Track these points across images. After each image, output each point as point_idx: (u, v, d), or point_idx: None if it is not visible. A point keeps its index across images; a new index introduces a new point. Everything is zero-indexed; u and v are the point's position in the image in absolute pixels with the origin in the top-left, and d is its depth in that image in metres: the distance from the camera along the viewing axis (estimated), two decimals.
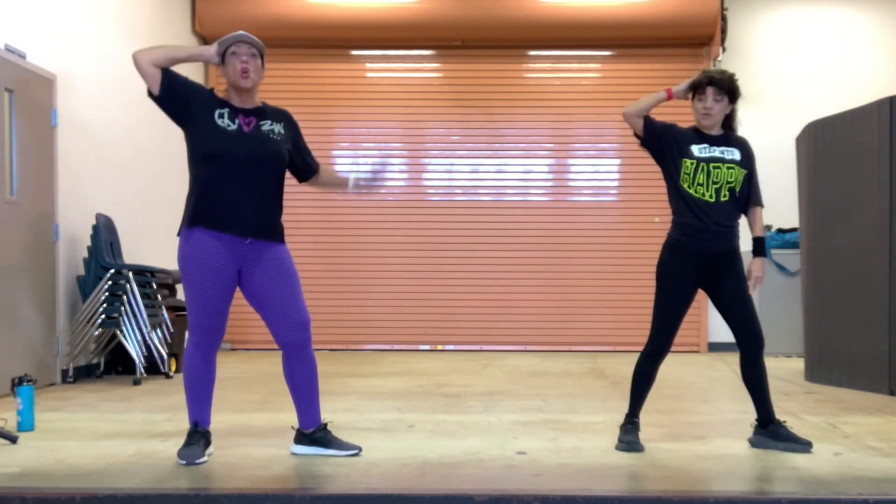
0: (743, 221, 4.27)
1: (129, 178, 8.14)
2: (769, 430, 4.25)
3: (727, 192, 4.13)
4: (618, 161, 10.33)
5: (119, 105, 7.95)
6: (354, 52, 10.44)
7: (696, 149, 4.15)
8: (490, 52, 10.34)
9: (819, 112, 7.43)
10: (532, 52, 10.43)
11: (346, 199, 10.38)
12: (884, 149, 6.34)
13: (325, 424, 4.10)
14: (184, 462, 3.80)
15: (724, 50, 9.98)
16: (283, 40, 10.20)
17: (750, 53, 10.26)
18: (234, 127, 3.82)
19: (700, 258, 4.17)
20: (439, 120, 10.43)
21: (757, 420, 4.30)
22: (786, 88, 10.17)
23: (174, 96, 3.82)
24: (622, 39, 10.20)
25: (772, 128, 9.71)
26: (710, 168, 4.11)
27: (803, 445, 4.14)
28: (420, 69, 10.54)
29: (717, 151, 4.15)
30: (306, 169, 4.14)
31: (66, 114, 7.02)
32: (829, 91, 9.95)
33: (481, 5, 9.87)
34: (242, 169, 3.79)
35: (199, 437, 3.91)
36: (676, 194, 4.20)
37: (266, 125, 3.89)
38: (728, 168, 4.12)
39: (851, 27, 10.24)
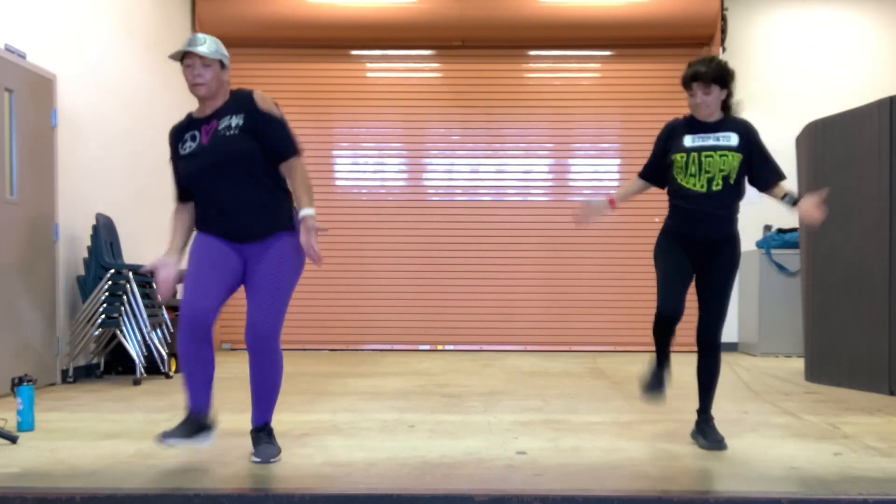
0: (745, 213, 4.28)
1: (129, 178, 8.14)
2: (697, 422, 4.34)
3: (720, 181, 4.10)
4: (618, 161, 10.33)
5: (119, 105, 7.96)
6: (354, 52, 10.45)
7: (688, 139, 4.15)
8: (490, 52, 10.35)
9: (819, 112, 7.43)
10: (532, 52, 10.43)
11: (346, 199, 10.39)
12: (884, 149, 6.34)
13: (264, 428, 3.98)
14: (161, 441, 3.72)
15: (724, 50, 9.98)
16: (283, 40, 10.23)
17: (750, 53, 10.26)
18: (194, 146, 3.81)
19: (692, 240, 4.18)
20: (439, 120, 10.43)
21: (697, 410, 4.37)
22: (786, 88, 10.17)
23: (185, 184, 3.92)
24: (622, 39, 10.20)
25: (772, 128, 9.65)
26: (702, 158, 4.10)
27: (710, 443, 4.16)
28: (420, 69, 10.54)
29: (710, 139, 4.13)
30: (273, 155, 3.82)
31: (66, 114, 7.02)
32: (829, 91, 9.96)
33: (481, 5, 9.87)
34: (206, 182, 3.77)
35: (190, 422, 3.82)
36: (671, 185, 4.25)
37: (224, 122, 3.80)
38: (721, 155, 4.09)
39: (851, 27, 10.24)
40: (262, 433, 3.97)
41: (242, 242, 3.82)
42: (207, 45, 3.78)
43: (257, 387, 3.94)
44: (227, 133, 3.76)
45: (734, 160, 4.10)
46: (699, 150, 4.11)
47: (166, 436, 3.74)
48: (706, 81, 4.11)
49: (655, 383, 4.33)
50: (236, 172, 3.75)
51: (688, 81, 4.16)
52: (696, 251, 4.19)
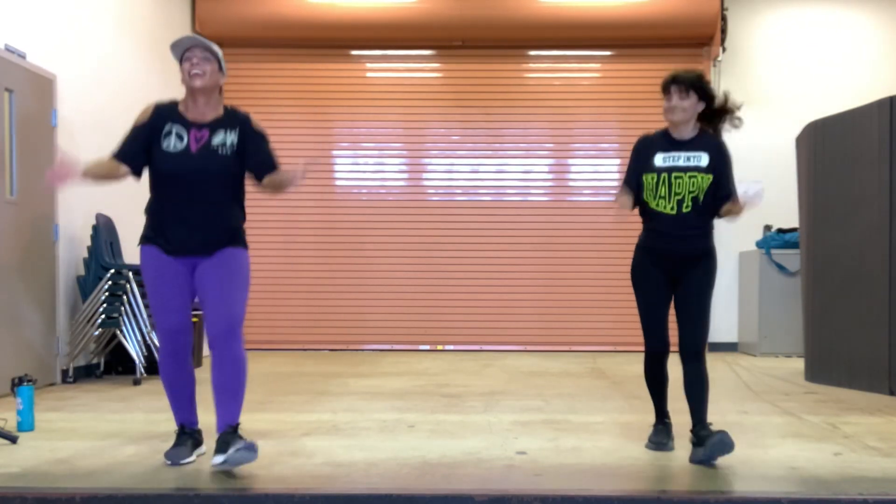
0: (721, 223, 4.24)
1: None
2: (692, 433, 4.08)
3: (690, 203, 4.06)
4: (618, 161, 10.32)
5: (119, 105, 7.95)
6: (354, 52, 10.44)
7: (659, 158, 4.11)
8: (490, 52, 10.34)
9: (819, 112, 7.43)
10: (532, 52, 10.43)
11: (346, 199, 10.39)
12: (884, 149, 6.34)
13: (234, 429, 3.82)
14: (169, 462, 3.81)
15: (724, 50, 9.98)
16: (283, 40, 10.22)
17: (750, 53, 10.25)
18: (181, 146, 3.80)
19: (667, 258, 4.16)
20: (439, 120, 10.42)
21: (691, 430, 4.12)
22: (786, 88, 10.16)
23: (142, 158, 3.88)
24: (622, 39, 10.19)
25: (772, 128, 9.70)
26: (672, 179, 4.06)
27: (704, 451, 3.90)
28: (420, 69, 10.54)
29: (681, 159, 4.09)
30: (259, 171, 3.92)
31: (66, 114, 7.02)
32: (829, 91, 9.95)
33: (481, 5, 9.87)
34: (185, 189, 3.79)
35: (186, 437, 3.94)
36: (643, 206, 4.21)
37: (218, 138, 3.84)
38: (690, 177, 4.06)
39: (851, 27, 10.24)
40: (229, 438, 3.72)
41: (193, 255, 3.84)
42: (209, 43, 3.87)
43: (220, 388, 3.81)
44: (221, 151, 3.82)
45: (704, 182, 4.06)
46: (669, 170, 4.07)
47: (171, 456, 3.82)
48: (685, 86, 4.08)
49: (661, 444, 4.20)
50: (215, 189, 3.82)
51: (667, 84, 4.12)
52: (671, 267, 4.17)
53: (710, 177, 4.07)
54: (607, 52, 10.40)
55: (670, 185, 4.07)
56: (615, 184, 10.33)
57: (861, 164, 6.53)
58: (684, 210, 4.07)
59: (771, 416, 5.28)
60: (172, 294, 3.83)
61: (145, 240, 3.91)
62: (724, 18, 9.89)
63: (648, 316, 4.21)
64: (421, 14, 9.92)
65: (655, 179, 4.09)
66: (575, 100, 10.37)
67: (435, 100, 10.41)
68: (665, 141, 4.17)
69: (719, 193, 4.11)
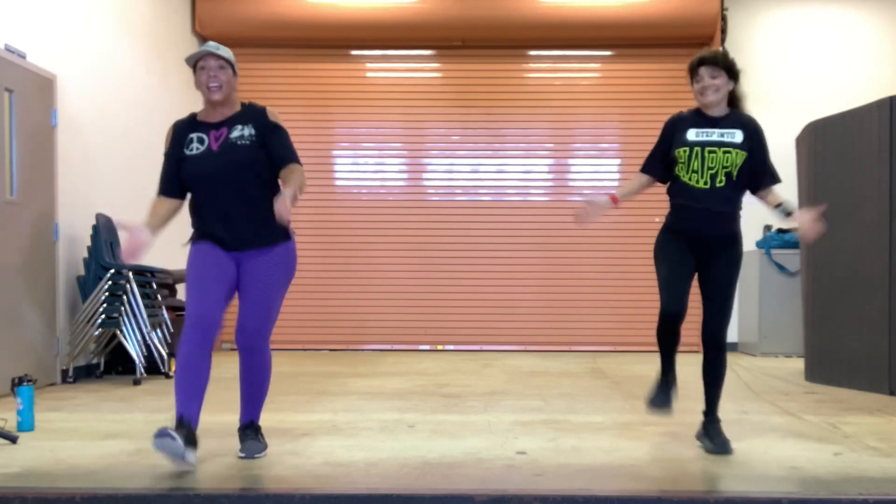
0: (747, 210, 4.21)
1: (129, 179, 8.13)
2: (703, 424, 4.24)
3: (723, 178, 4.02)
4: (618, 161, 10.33)
5: (119, 105, 7.95)
6: (354, 52, 10.45)
7: (692, 133, 4.07)
8: (490, 52, 10.35)
9: (819, 112, 7.43)
10: (532, 52, 10.43)
11: (346, 199, 10.39)
12: (884, 149, 6.35)
13: (251, 425, 4.04)
14: (155, 448, 3.51)
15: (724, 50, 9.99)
16: (283, 40, 10.22)
17: (750, 54, 10.24)
18: (202, 148, 3.86)
19: (695, 238, 4.09)
20: (439, 120, 10.43)
21: (703, 412, 4.27)
22: (786, 88, 10.16)
23: (181, 181, 3.95)
24: (622, 39, 10.20)
25: (772, 128, 9.56)
26: (706, 153, 4.01)
27: (715, 446, 4.07)
28: (420, 69, 10.54)
29: (715, 134, 4.05)
30: (277, 160, 3.90)
31: (66, 114, 7.02)
32: (829, 91, 9.95)
33: (481, 5, 9.87)
34: (214, 187, 3.83)
35: (182, 430, 3.57)
36: (673, 182, 4.17)
37: (236, 132, 3.87)
38: (724, 152, 4.01)
39: (851, 27, 10.24)
40: (249, 430, 4.04)
41: (238, 250, 3.88)
42: (223, 50, 3.88)
43: (246, 386, 4.01)
44: (240, 143, 3.85)
45: (738, 157, 4.02)
46: (702, 144, 4.03)
47: (161, 446, 3.50)
48: (715, 65, 4.06)
49: (662, 400, 4.22)
50: (243, 181, 3.83)
51: (694, 66, 4.10)
52: (698, 249, 4.11)
53: (745, 153, 4.03)
54: (607, 52, 10.41)
55: (703, 158, 4.02)
56: (615, 184, 10.35)
57: (861, 164, 6.53)
58: (717, 185, 4.02)
59: (771, 416, 5.28)
60: (213, 278, 3.79)
61: (194, 240, 3.95)
62: (724, 18, 9.90)
63: (668, 278, 4.08)
64: (421, 14, 9.92)
65: (688, 153, 4.04)
66: (575, 100, 10.37)
67: (435, 100, 10.41)
68: (697, 117, 4.13)
69: (756, 170, 4.07)
